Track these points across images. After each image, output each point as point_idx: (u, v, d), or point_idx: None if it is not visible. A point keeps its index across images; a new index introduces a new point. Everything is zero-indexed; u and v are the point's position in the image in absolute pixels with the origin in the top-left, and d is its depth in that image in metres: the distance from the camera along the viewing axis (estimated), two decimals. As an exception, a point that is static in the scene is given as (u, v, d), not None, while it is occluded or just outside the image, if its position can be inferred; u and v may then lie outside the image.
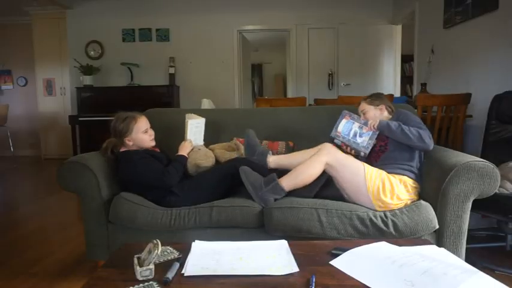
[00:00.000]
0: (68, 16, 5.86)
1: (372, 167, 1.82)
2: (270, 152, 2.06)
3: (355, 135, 1.98)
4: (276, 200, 1.79)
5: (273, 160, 2.02)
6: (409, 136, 1.79)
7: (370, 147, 1.95)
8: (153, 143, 2.05)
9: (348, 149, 2.02)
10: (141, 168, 1.87)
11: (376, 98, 2.09)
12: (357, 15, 5.76)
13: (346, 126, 2.02)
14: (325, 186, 1.89)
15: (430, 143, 1.79)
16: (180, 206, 1.84)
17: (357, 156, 1.98)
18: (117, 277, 1.10)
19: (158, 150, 2.13)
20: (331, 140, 2.07)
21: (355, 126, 1.99)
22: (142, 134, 1.97)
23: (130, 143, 1.97)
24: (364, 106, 2.09)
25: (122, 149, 1.98)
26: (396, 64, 5.88)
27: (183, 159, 2.01)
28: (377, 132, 1.94)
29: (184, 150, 2.05)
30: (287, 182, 1.81)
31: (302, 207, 1.71)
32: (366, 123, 1.97)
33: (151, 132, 2.04)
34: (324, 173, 1.84)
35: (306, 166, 1.82)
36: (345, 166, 1.79)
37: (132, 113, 2.00)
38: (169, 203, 1.86)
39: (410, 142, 1.80)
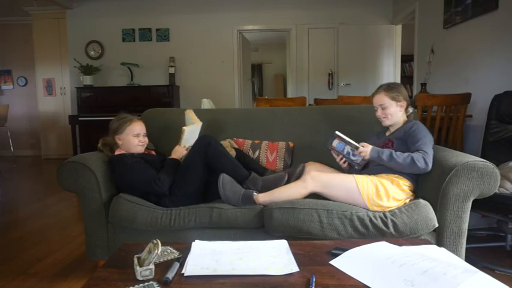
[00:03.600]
0: (68, 16, 5.86)
1: (362, 175, 1.79)
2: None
3: (348, 153, 1.93)
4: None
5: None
6: (401, 165, 1.74)
7: (363, 165, 1.92)
8: (141, 150, 2.05)
9: (343, 160, 1.98)
10: (133, 175, 1.88)
11: (399, 93, 1.92)
12: (357, 15, 5.76)
13: (339, 145, 1.96)
14: None
15: (424, 167, 1.71)
16: (177, 206, 1.85)
17: (351, 167, 1.97)
18: (117, 277, 1.10)
19: (153, 153, 2.15)
20: (328, 151, 2.02)
21: (348, 148, 1.93)
22: (132, 137, 2.00)
23: (120, 142, 2.01)
24: (384, 100, 1.92)
25: (116, 152, 2.00)
26: (396, 64, 5.88)
27: (175, 162, 2.00)
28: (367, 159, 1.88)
29: (176, 155, 2.06)
30: (263, 197, 1.82)
31: (303, 208, 1.70)
32: (356, 148, 1.88)
33: (143, 139, 2.05)
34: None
35: (288, 190, 1.82)
36: (333, 185, 1.77)
37: (131, 116, 2.06)
38: (165, 205, 1.87)
39: (403, 170, 1.77)
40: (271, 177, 1.95)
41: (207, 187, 1.94)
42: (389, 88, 1.94)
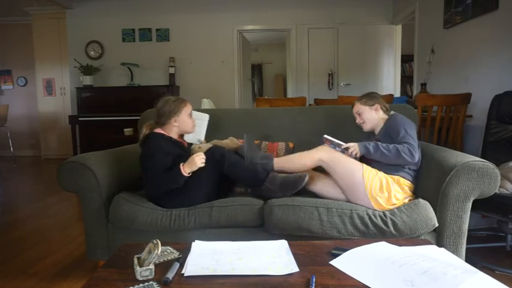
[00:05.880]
0: (68, 16, 5.86)
1: (370, 167, 1.83)
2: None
3: None
4: (261, 173, 1.88)
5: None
6: (387, 156, 1.79)
7: None
8: (194, 130, 2.09)
9: None
10: (149, 160, 1.84)
11: (370, 98, 2.06)
12: (357, 15, 5.76)
13: None
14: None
15: (410, 158, 1.75)
16: (177, 207, 1.84)
17: None
18: (117, 277, 1.10)
19: (186, 144, 2.13)
20: None
21: (337, 151, 1.94)
22: (187, 117, 2.02)
23: (176, 124, 1.98)
24: (358, 107, 2.07)
25: (158, 130, 1.97)
26: (396, 64, 5.88)
27: (181, 179, 1.81)
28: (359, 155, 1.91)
29: (192, 167, 1.81)
30: (277, 161, 1.93)
31: (303, 205, 1.71)
32: (346, 149, 1.90)
33: (194, 120, 2.09)
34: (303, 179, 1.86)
35: (301, 155, 1.93)
36: (340, 163, 1.84)
37: (182, 98, 2.06)
38: (164, 205, 1.85)
39: (390, 162, 1.80)
40: (290, 176, 1.88)
41: (213, 187, 1.93)
42: (361, 97, 2.10)
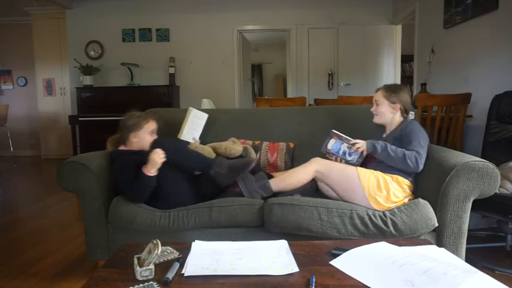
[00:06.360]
0: (68, 16, 5.86)
1: (365, 168, 1.84)
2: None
3: (344, 153, 1.96)
4: (263, 197, 1.84)
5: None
6: (393, 158, 1.78)
7: (360, 163, 1.95)
8: None
9: (338, 159, 1.99)
10: (120, 176, 1.86)
11: (394, 94, 1.95)
12: (357, 15, 5.76)
13: (335, 145, 1.99)
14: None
15: (414, 166, 1.74)
16: (172, 208, 1.84)
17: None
18: (117, 277, 1.10)
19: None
20: (323, 156, 2.03)
21: (344, 146, 1.97)
22: (148, 135, 2.00)
23: (135, 140, 1.98)
24: (379, 97, 1.98)
25: (120, 147, 2.00)
26: (396, 64, 5.88)
27: (150, 181, 1.78)
28: (365, 153, 1.92)
29: (153, 165, 1.77)
30: (275, 182, 1.89)
31: (303, 205, 1.71)
32: (353, 144, 1.93)
33: (155, 137, 2.05)
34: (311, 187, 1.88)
35: (295, 172, 1.90)
36: (335, 170, 1.84)
37: (147, 114, 2.06)
38: (159, 207, 1.85)
39: (393, 164, 1.80)
40: (238, 161, 1.94)
41: (196, 187, 1.93)
42: (388, 87, 2.00)
